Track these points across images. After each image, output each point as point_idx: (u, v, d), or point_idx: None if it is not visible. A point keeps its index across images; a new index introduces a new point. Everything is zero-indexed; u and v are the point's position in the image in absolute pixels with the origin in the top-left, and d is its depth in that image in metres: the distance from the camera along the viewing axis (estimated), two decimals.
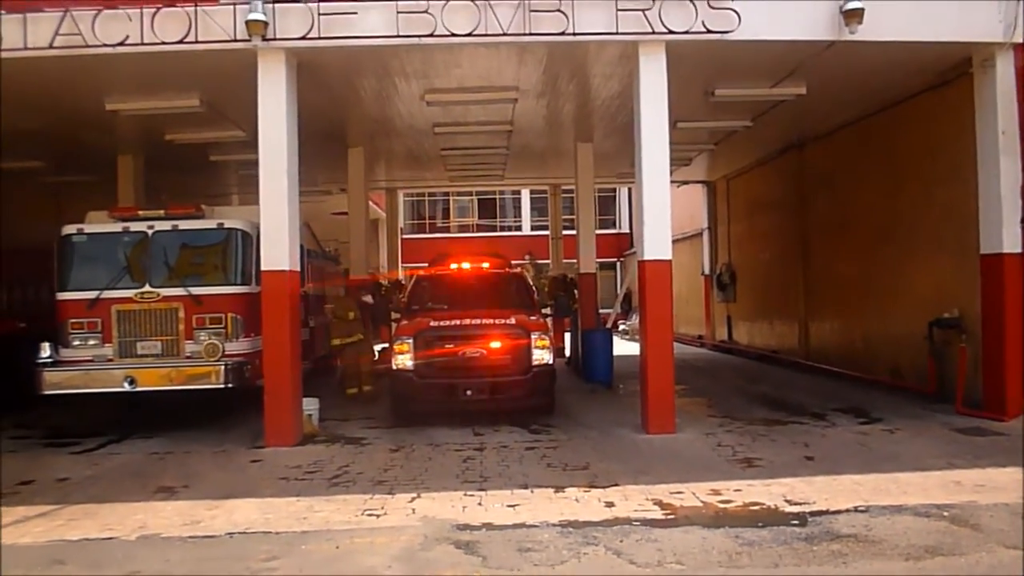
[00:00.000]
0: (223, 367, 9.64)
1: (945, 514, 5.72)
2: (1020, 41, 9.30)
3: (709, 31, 8.80)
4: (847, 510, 5.88)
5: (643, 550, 5.08)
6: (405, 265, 25.49)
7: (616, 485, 6.77)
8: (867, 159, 12.93)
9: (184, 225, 10.39)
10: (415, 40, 8.77)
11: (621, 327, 24.85)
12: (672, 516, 5.89)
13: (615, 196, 37.96)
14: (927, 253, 11.27)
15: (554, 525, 5.66)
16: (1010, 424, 9.05)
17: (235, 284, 10.23)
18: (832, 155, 14.32)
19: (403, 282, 19.01)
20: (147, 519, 6.09)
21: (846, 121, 13.26)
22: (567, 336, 16.55)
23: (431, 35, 8.73)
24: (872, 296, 12.89)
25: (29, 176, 15.07)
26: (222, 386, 9.66)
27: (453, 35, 8.74)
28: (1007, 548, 4.98)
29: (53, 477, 7.64)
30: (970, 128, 9.81)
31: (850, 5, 8.69)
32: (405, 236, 29.89)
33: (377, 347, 13.52)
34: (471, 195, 38.96)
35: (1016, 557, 4.81)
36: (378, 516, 6.02)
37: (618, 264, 36.53)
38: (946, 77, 10.33)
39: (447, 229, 40.32)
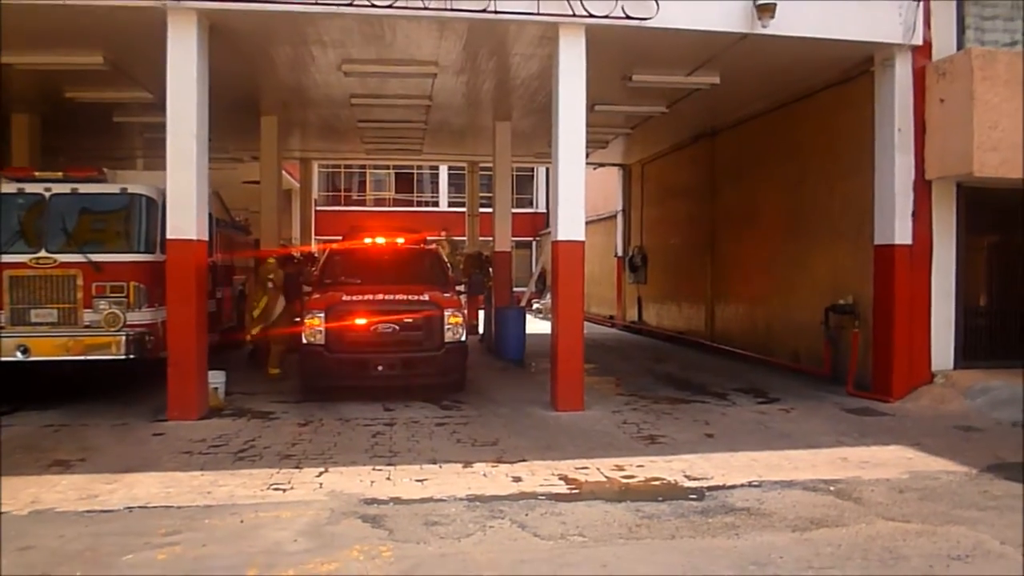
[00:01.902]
0: (124, 337, 9.32)
1: (831, 489, 6.06)
2: (919, 43, 9.80)
3: (628, 17, 8.91)
4: (742, 485, 6.16)
5: (547, 523, 5.21)
6: (318, 238, 25.06)
7: (523, 460, 6.89)
8: (774, 150, 13.40)
9: (84, 189, 9.93)
10: (333, 8, 8.58)
11: (535, 306, 25.11)
12: (577, 491, 6.05)
13: (533, 176, 38.19)
14: (826, 242, 11.79)
15: (461, 499, 5.73)
16: (895, 405, 9.62)
17: (138, 252, 9.86)
18: (742, 145, 14.78)
19: (316, 255, 18.69)
20: (40, 493, 5.86)
21: (756, 112, 13.70)
22: (481, 313, 16.62)
23: (350, 4, 8.55)
24: (774, 282, 13.42)
25: None
26: (123, 357, 9.34)
27: (373, 5, 8.57)
28: (885, 520, 5.32)
29: None
30: (869, 124, 10.28)
31: (763, 0, 8.95)
32: (319, 208, 29.30)
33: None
34: (388, 169, 38.53)
35: (893, 529, 5.14)
36: (284, 491, 5.97)
37: (534, 243, 36.83)
38: (849, 74, 10.80)
39: (363, 202, 39.74)
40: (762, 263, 13.85)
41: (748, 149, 14.52)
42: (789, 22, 9.12)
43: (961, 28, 10.14)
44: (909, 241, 9.94)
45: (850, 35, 9.58)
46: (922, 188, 9.99)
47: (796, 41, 9.48)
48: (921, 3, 9.74)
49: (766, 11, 8.98)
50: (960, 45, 10.02)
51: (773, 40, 9.33)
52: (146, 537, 4.92)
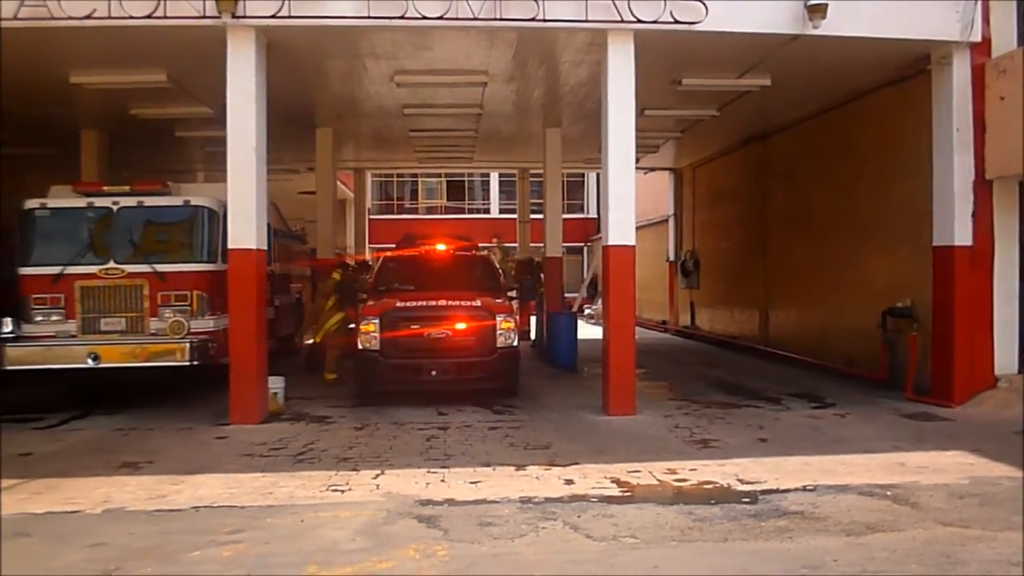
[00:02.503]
0: (188, 344, 9.64)
1: (888, 493, 5.99)
2: (976, 40, 9.60)
3: (677, 22, 8.94)
4: (795, 489, 6.13)
5: (599, 525, 5.27)
6: (372, 246, 25.46)
7: (575, 464, 6.95)
8: (827, 152, 13.22)
9: (149, 201, 10.33)
10: (385, 22, 8.80)
11: (587, 311, 25.10)
12: (628, 493, 6.09)
13: (583, 181, 38.18)
14: (883, 245, 11.60)
15: (514, 501, 5.82)
16: (956, 410, 9.41)
17: (201, 262, 10.21)
18: (794, 147, 14.62)
19: (370, 263, 19.03)
20: (111, 493, 6.14)
21: (809, 114, 13.54)
22: (533, 320, 16.71)
23: (402, 17, 8.76)
24: (829, 285, 13.23)
25: None
26: (187, 363, 9.66)
27: (424, 18, 8.77)
28: (943, 525, 5.24)
29: (16, 452, 7.61)
30: (927, 124, 10.10)
31: (814, 0, 8.88)
32: (372, 216, 29.77)
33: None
34: (440, 176, 38.95)
35: (950, 534, 5.06)
36: (342, 491, 6.14)
37: (585, 249, 36.79)
38: (905, 73, 10.61)
39: (415, 210, 40.26)
40: (816, 266, 13.66)
41: (801, 151, 14.35)
42: (841, 22, 9.04)
43: (1021, 24, 9.89)
44: (969, 242, 9.74)
45: (904, 34, 9.44)
46: (982, 188, 9.77)
47: (848, 41, 9.39)
48: (979, 0, 9.55)
49: (817, 11, 8.91)
50: (1021, 41, 9.77)
51: (825, 40, 9.25)
52: (211, 535, 5.12)
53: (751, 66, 10.68)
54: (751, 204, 16.65)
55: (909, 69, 10.44)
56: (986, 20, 9.65)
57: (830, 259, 13.13)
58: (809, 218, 13.97)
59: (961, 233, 9.71)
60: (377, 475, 6.61)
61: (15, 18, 8.56)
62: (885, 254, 11.54)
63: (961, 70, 9.69)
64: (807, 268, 14.08)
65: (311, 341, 13.10)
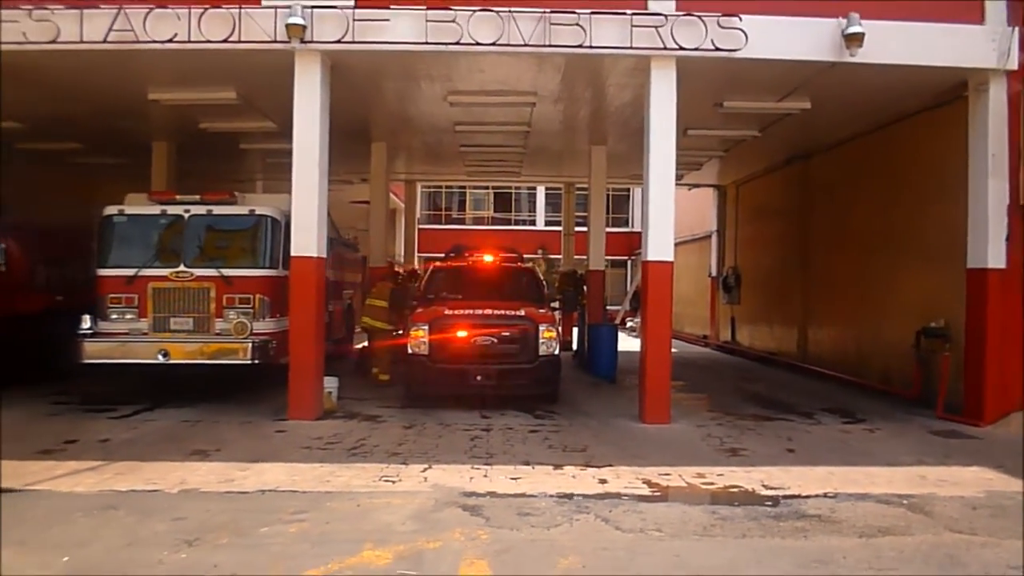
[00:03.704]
0: (251, 344, 10.29)
1: (904, 502, 6.33)
2: (1013, 68, 9.82)
3: (717, 48, 9.37)
4: (817, 495, 6.50)
5: (629, 519, 5.73)
6: (421, 255, 26.17)
7: (610, 466, 7.41)
8: (866, 173, 13.48)
9: (218, 210, 11.04)
10: (442, 47, 9.39)
11: (629, 324, 25.42)
12: (658, 493, 6.54)
13: (628, 196, 38.52)
14: (918, 265, 11.83)
15: (551, 496, 6.31)
16: (985, 429, 9.62)
17: (263, 267, 10.87)
18: (834, 168, 14.89)
19: (418, 272, 19.69)
20: (185, 476, 6.78)
21: (849, 136, 13.82)
22: (575, 331, 17.15)
23: (457, 43, 9.34)
24: (866, 304, 13.46)
25: (63, 157, 15.87)
26: (249, 362, 10.31)
27: (477, 44, 9.34)
28: (952, 532, 5.59)
29: (95, 438, 8.36)
30: (963, 148, 10.32)
31: (851, 29, 9.23)
32: (421, 226, 30.53)
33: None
34: (487, 189, 39.63)
35: (957, 540, 5.41)
36: (393, 482, 6.70)
37: (628, 262, 37.07)
38: (943, 99, 10.86)
39: (463, 221, 41.01)
40: (854, 285, 13.89)
41: (841, 171, 14.62)
42: (878, 50, 9.37)
43: None
44: (1003, 265, 9.93)
45: (941, 61, 9.71)
46: (1016, 213, 9.96)
47: (886, 68, 9.70)
48: (1017, 28, 9.78)
49: (854, 40, 9.26)
50: None
51: (863, 67, 9.59)
52: (278, 514, 5.71)
53: (791, 90, 11.04)
54: (792, 222, 16.91)
55: (947, 95, 10.70)
56: (1023, 48, 9.87)
57: (868, 277, 13.36)
58: (848, 237, 14.21)
59: (995, 256, 9.91)
60: (425, 469, 7.16)
61: (104, 41, 9.33)
62: (921, 274, 11.77)
63: (997, 97, 9.91)
64: (845, 286, 14.31)
65: (362, 346, 13.72)
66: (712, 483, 6.92)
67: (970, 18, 9.77)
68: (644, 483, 6.82)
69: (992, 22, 9.75)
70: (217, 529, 5.37)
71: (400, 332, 13.59)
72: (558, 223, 27.78)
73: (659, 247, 9.78)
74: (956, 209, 10.50)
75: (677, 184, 10.29)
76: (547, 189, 38.01)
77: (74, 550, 4.94)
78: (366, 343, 13.48)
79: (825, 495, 6.52)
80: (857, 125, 13.21)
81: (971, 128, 10.24)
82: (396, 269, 18.56)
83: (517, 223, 40.66)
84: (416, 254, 25.10)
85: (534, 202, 40.81)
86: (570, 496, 6.33)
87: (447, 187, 39.49)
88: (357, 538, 5.20)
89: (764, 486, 6.81)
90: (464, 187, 39.41)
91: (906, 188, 12.22)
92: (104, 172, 17.18)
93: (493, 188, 39.22)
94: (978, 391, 9.97)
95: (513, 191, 40.25)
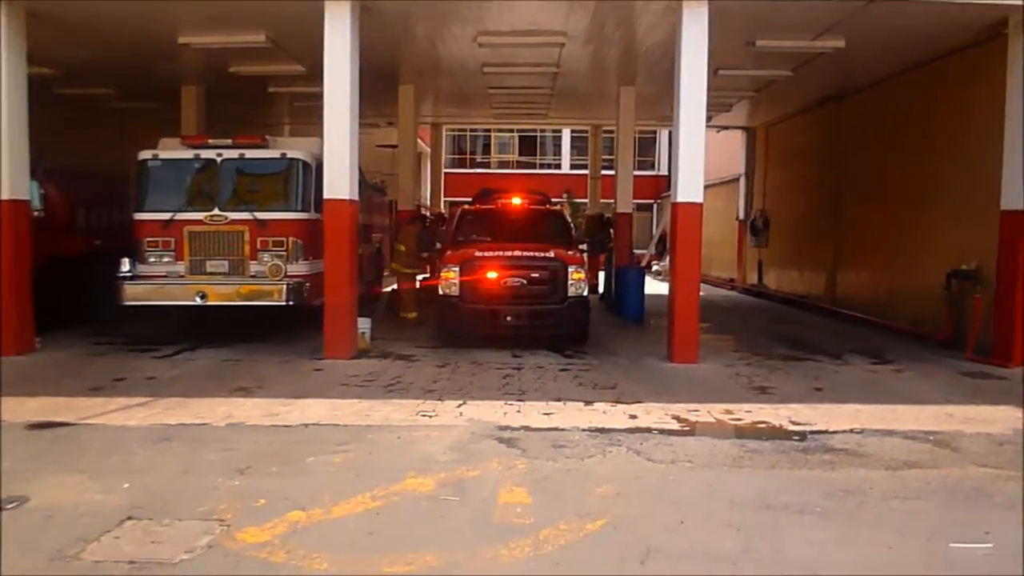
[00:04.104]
0: (285, 286, 10.47)
1: (931, 438, 6.46)
2: None
3: None
4: (844, 431, 6.64)
5: (660, 451, 5.93)
6: (446, 199, 26.24)
7: (640, 402, 7.60)
8: (901, 115, 13.30)
9: (250, 154, 11.13)
10: None
11: (654, 268, 25.47)
12: (687, 428, 6.71)
13: (655, 138, 38.18)
14: (952, 208, 11.74)
15: (584, 430, 6.51)
16: (1014, 370, 9.67)
17: (296, 211, 10.99)
18: (869, 109, 14.68)
19: (445, 215, 19.80)
20: (231, 411, 7.05)
21: (884, 76, 13.60)
22: (601, 275, 17.25)
23: None
24: (898, 248, 13.41)
25: (96, 102, 16.03)
26: (283, 304, 10.52)
27: None
28: (978, 467, 5.72)
29: (142, 376, 8.67)
30: (1001, 90, 10.13)
31: None
32: (447, 170, 30.53)
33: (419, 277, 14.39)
34: (512, 132, 39.40)
35: (983, 474, 5.54)
36: (430, 417, 6.94)
37: (655, 206, 36.92)
38: (981, 38, 10.65)
39: (487, 165, 40.94)
40: (886, 228, 13.82)
41: (875, 114, 14.42)
42: None
43: None
44: None
45: None
46: None
47: (923, 5, 9.53)
48: None
49: None
50: None
51: (900, 4, 9.45)
52: (322, 445, 5.97)
53: (825, 29, 10.85)
54: (823, 165, 16.75)
55: (984, 34, 10.48)
56: None
57: (900, 221, 13.29)
58: (880, 180, 14.09)
59: None
60: (460, 405, 7.39)
61: None
62: (954, 218, 11.69)
63: None
64: (877, 229, 14.24)
65: (392, 288, 13.95)
66: (740, 419, 7.08)
67: None
68: (673, 419, 7.00)
69: None
70: (266, 458, 5.64)
71: (427, 275, 13.84)
72: (583, 167, 27.69)
73: (689, 188, 9.79)
74: (990, 152, 10.37)
75: (706, 126, 10.23)
76: (572, 132, 37.74)
77: (133, 477, 5.21)
78: (395, 286, 13.72)
79: (852, 431, 6.66)
80: (892, 66, 12.99)
81: (1009, 68, 10.01)
82: (423, 212, 18.67)
83: (542, 167, 40.51)
84: (442, 198, 25.16)
85: (559, 145, 40.56)
86: (602, 430, 6.52)
87: (471, 131, 39.34)
88: (400, 467, 5.43)
89: (792, 422, 6.96)
90: (489, 131, 39.24)
91: (941, 130, 12.06)
92: (135, 116, 17.37)
93: (518, 131, 38.99)
94: (1008, 333, 9.98)
95: (539, 134, 40.02)
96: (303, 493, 4.89)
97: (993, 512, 4.82)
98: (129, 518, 4.48)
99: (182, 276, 10.88)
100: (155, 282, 10.81)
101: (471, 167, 40.09)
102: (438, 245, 13.77)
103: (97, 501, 4.77)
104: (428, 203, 23.94)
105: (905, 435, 6.55)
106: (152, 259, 10.98)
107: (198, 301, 10.53)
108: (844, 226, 15.88)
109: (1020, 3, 9.59)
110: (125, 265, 10.78)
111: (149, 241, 11.00)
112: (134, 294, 10.63)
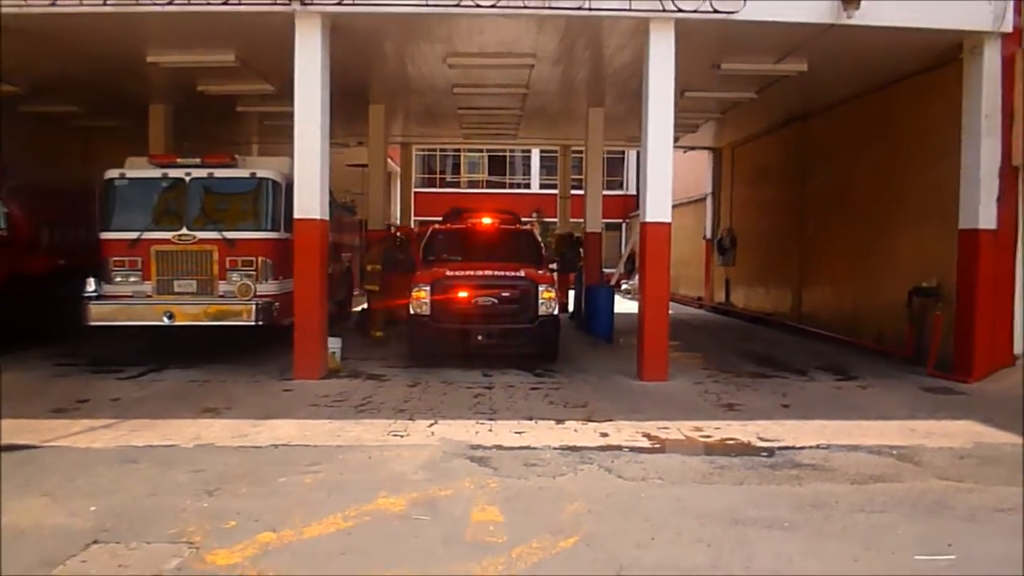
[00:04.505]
0: (254, 306, 10.44)
1: (894, 453, 6.58)
2: (1008, 31, 9.92)
3: (716, 11, 9.41)
4: (810, 447, 6.75)
5: (631, 468, 5.98)
6: (416, 218, 26.24)
7: (610, 420, 7.65)
8: (863, 134, 13.61)
9: (219, 173, 11.07)
10: (443, 9, 9.42)
11: (624, 286, 25.62)
12: (658, 445, 6.78)
13: (623, 158, 38.53)
14: (913, 226, 12.01)
15: (555, 448, 6.54)
16: (975, 386, 9.88)
17: (266, 230, 10.96)
18: (831, 130, 15.01)
19: (414, 231, 19.77)
20: (200, 432, 6.99)
21: (846, 97, 13.91)
22: (571, 293, 17.34)
23: (457, 5, 9.36)
24: (861, 264, 13.66)
25: (62, 120, 15.84)
26: (252, 323, 10.47)
27: (478, 6, 9.35)
28: (940, 479, 5.84)
29: (106, 397, 8.55)
30: (957, 111, 10.44)
31: None
32: (417, 190, 30.56)
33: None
34: (482, 152, 39.57)
35: (945, 487, 5.67)
36: (402, 436, 6.92)
37: (623, 225, 37.24)
38: (938, 61, 10.95)
39: (457, 184, 41.03)
40: (849, 246, 14.08)
41: (838, 133, 14.74)
42: (875, 12, 9.43)
43: None
44: (994, 226, 10.11)
45: (937, 23, 9.78)
46: (1008, 174, 10.13)
47: (882, 30, 9.76)
48: None
49: (851, 3, 9.31)
50: None
51: (859, 30, 9.63)
52: (293, 466, 5.93)
53: (788, 52, 11.10)
54: (788, 184, 17.05)
55: (942, 57, 10.78)
56: (1017, 11, 9.93)
57: (863, 239, 13.55)
58: (844, 199, 14.37)
59: (986, 217, 10.09)
60: (431, 424, 7.38)
61: (104, 3, 9.32)
62: (915, 235, 11.96)
63: (992, 59, 10.01)
64: (841, 247, 14.51)
65: (362, 308, 13.92)
66: (709, 436, 7.16)
67: None
68: (644, 436, 7.05)
69: None
70: (236, 479, 5.58)
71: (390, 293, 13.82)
72: (553, 186, 27.88)
73: (657, 208, 9.92)
74: (949, 171, 10.65)
75: (674, 146, 10.40)
76: (542, 152, 38.00)
77: (100, 499, 5.14)
78: (365, 305, 13.69)
79: (818, 446, 6.77)
80: (853, 87, 13.30)
81: (965, 90, 10.35)
82: (393, 231, 18.64)
83: (512, 186, 40.70)
84: (412, 217, 25.17)
85: (529, 165, 40.81)
86: (573, 448, 6.56)
87: (441, 150, 39.42)
88: (371, 487, 5.41)
89: (760, 438, 7.06)
90: (459, 150, 39.35)
91: (901, 150, 12.36)
92: (102, 134, 17.17)
93: (488, 151, 39.17)
94: (968, 349, 10.22)
95: (508, 154, 40.23)
96: (274, 514, 4.86)
97: (955, 524, 4.92)
98: (96, 541, 4.42)
99: (149, 296, 10.78)
100: (121, 302, 10.69)
101: (441, 186, 40.14)
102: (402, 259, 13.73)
103: (63, 524, 4.69)
104: (399, 222, 23.91)
105: (870, 450, 6.67)
106: (118, 278, 10.87)
107: (165, 321, 10.46)
108: (808, 245, 16.15)
109: (974, 29, 9.92)
110: (90, 285, 10.67)
111: (115, 260, 10.89)
112: (99, 314, 10.51)
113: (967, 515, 5.05)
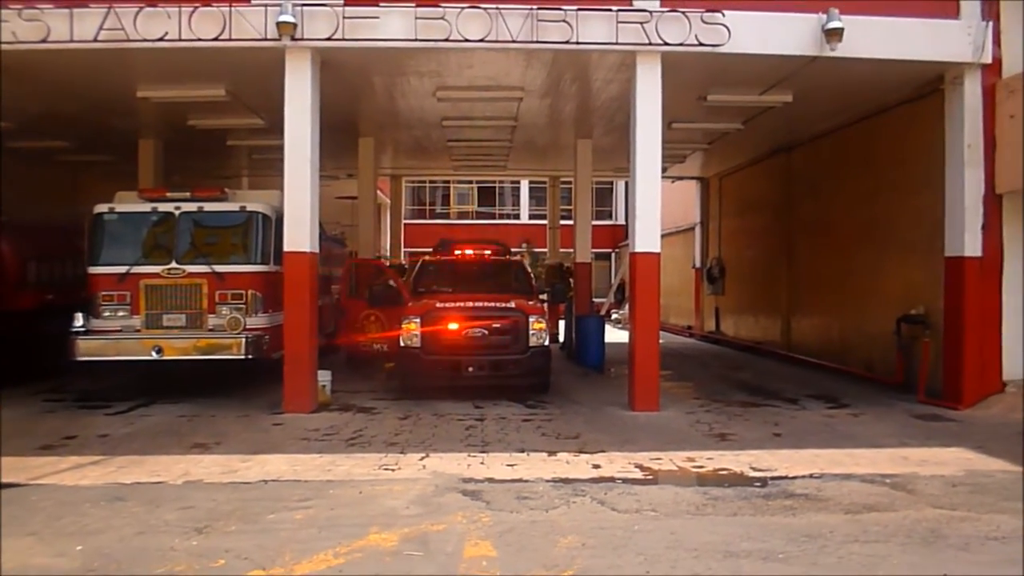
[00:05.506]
0: (244, 340, 10.38)
1: (887, 481, 6.57)
2: (988, 62, 10.11)
3: (701, 44, 9.58)
4: (803, 476, 6.73)
5: (624, 500, 5.94)
6: (406, 250, 26.28)
7: (603, 451, 7.62)
8: (848, 164, 13.77)
9: (209, 207, 11.07)
10: (431, 44, 9.54)
11: (614, 316, 25.66)
12: (651, 477, 6.75)
13: (612, 189, 38.80)
14: (899, 254, 12.12)
15: (548, 481, 6.50)
16: (964, 412, 9.91)
17: (255, 263, 10.93)
18: (817, 160, 15.18)
19: (405, 267, 19.79)
20: (189, 468, 6.91)
21: (831, 127, 14.10)
22: (562, 323, 17.34)
23: (446, 40, 9.49)
24: (849, 293, 13.75)
25: (51, 155, 15.84)
26: (242, 357, 10.40)
27: (466, 40, 9.49)
28: (933, 508, 5.83)
29: (94, 433, 8.47)
30: (941, 139, 10.61)
31: (831, 24, 9.46)
32: (406, 221, 30.61)
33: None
34: (471, 183, 39.73)
35: (939, 515, 5.65)
36: (393, 470, 6.87)
37: (613, 255, 37.38)
38: (921, 91, 11.14)
39: (447, 215, 41.14)
40: (837, 274, 14.18)
41: (823, 163, 14.90)
42: (857, 45, 9.62)
43: None
44: (979, 253, 10.22)
45: (918, 55, 9.98)
46: (992, 202, 10.26)
47: (865, 62, 9.95)
48: (991, 22, 10.07)
49: (834, 35, 9.49)
50: None
51: (842, 62, 9.81)
52: (283, 502, 5.87)
53: (773, 84, 11.25)
54: (775, 213, 17.19)
55: (924, 88, 10.98)
56: (997, 43, 10.15)
57: (850, 267, 13.65)
58: (830, 228, 14.50)
59: (971, 244, 10.21)
60: (423, 457, 7.33)
61: (95, 40, 9.40)
62: (902, 263, 12.06)
63: (973, 90, 10.20)
64: (828, 276, 14.60)
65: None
66: (702, 466, 7.14)
67: (946, 13, 10.06)
68: (637, 467, 7.03)
69: (967, 17, 10.05)
70: (225, 517, 5.52)
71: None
72: (542, 216, 28.01)
73: (646, 238, 9.98)
74: (934, 199, 10.80)
75: (662, 177, 10.49)
76: (531, 183, 38.18)
77: (87, 539, 5.06)
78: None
79: (811, 476, 6.75)
80: (838, 118, 13.49)
81: (947, 120, 10.53)
82: (383, 263, 18.65)
83: (501, 217, 40.83)
84: (402, 249, 25.20)
85: (518, 196, 40.97)
86: (566, 480, 6.52)
87: (431, 182, 39.57)
88: (363, 522, 5.36)
89: (752, 468, 7.04)
90: (448, 182, 39.52)
91: (886, 179, 12.50)
92: (91, 169, 17.20)
93: (477, 182, 39.34)
94: (957, 376, 10.27)
95: (497, 185, 40.40)
96: (264, 552, 4.80)
97: (949, 553, 4.91)
98: None
99: (138, 330, 10.69)
100: (110, 337, 10.61)
101: (431, 218, 40.25)
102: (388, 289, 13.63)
103: (49, 565, 4.62)
104: (388, 254, 23.93)
105: (863, 478, 6.66)
106: (107, 313, 10.79)
107: (154, 356, 10.36)
108: (797, 273, 16.26)
109: (954, 60, 10.10)
110: (78, 320, 10.59)
111: (104, 295, 10.82)
112: (87, 349, 10.43)
113: (961, 544, 5.04)
